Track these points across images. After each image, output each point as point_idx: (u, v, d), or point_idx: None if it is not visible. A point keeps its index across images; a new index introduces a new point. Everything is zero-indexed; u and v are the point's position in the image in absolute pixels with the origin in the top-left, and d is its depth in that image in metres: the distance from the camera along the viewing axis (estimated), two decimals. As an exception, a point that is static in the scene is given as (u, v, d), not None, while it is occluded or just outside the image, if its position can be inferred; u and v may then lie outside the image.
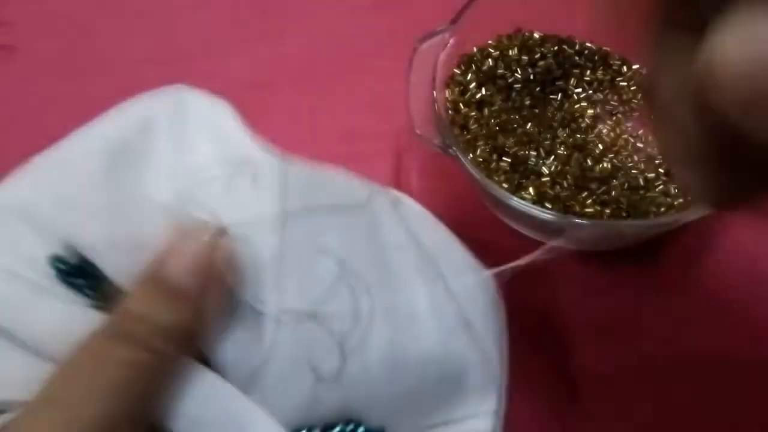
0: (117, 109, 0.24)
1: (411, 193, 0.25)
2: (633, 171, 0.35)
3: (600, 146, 0.36)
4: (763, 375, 0.34)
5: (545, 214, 0.30)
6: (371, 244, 0.22)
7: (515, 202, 0.30)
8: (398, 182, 0.39)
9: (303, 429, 0.21)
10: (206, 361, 0.22)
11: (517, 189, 0.34)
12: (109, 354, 0.19)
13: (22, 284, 0.20)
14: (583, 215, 0.33)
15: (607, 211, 0.34)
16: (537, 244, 0.36)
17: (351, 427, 0.21)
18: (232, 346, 0.21)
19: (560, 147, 0.36)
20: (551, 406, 0.34)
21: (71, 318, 0.20)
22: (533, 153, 0.35)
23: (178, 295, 0.20)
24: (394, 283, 0.22)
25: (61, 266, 0.20)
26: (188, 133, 0.23)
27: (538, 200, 0.34)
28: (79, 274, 0.21)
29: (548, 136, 0.36)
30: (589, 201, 0.34)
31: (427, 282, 0.22)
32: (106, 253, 0.21)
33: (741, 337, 0.34)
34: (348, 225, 0.22)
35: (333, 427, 0.21)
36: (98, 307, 0.21)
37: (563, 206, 0.34)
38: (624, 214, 0.34)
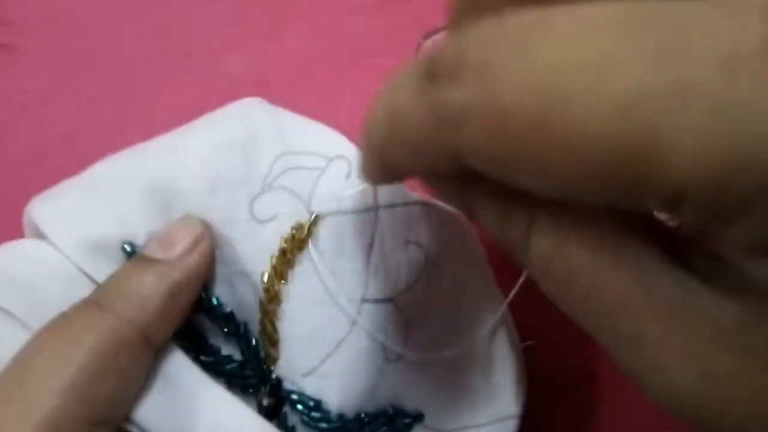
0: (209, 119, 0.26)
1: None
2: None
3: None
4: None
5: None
6: (455, 242, 0.24)
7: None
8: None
9: (362, 413, 0.22)
10: (196, 345, 0.23)
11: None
12: (79, 320, 0.20)
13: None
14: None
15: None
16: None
17: (392, 411, 0.23)
18: (303, 325, 0.22)
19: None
20: (551, 404, 0.33)
21: None
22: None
23: (149, 264, 0.21)
24: (462, 284, 0.25)
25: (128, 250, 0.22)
26: (285, 128, 0.25)
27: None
28: None
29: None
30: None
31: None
32: None
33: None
34: (438, 220, 0.23)
35: (383, 413, 0.23)
36: None
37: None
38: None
